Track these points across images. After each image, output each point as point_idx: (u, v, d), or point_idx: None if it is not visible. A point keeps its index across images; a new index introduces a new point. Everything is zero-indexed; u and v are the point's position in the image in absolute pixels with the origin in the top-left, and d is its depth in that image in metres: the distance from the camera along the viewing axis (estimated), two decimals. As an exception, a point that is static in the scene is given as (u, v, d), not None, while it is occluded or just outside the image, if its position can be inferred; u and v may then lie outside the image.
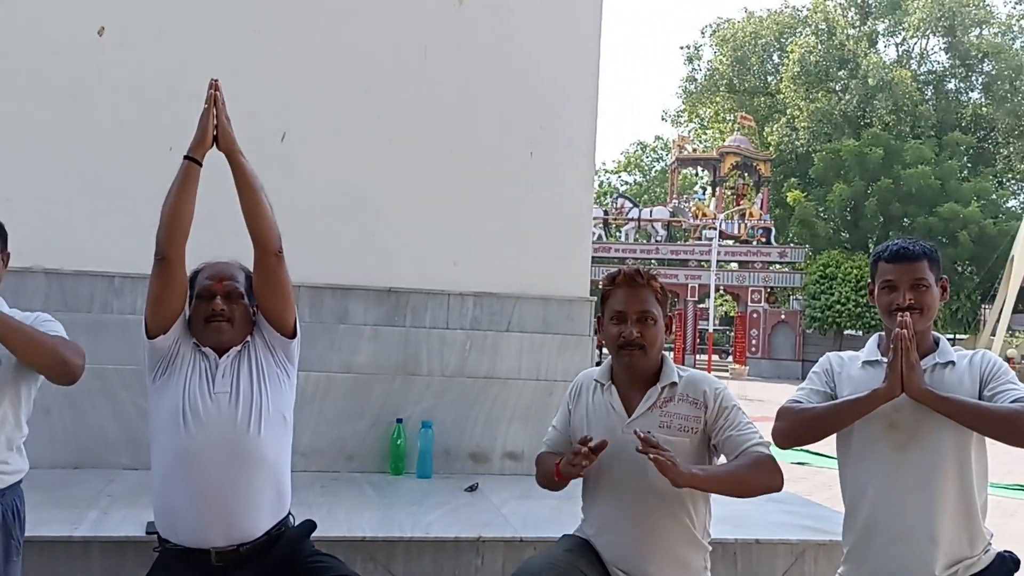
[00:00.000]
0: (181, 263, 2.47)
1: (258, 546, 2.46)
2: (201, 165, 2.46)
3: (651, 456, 2.24)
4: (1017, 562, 2.41)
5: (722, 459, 2.54)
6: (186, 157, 2.45)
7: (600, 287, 2.60)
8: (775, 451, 2.51)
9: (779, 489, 2.47)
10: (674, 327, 43.37)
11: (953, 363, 2.47)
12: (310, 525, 2.62)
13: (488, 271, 4.88)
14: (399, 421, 4.62)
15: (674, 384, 2.52)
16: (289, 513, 2.61)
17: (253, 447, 2.46)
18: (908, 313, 2.40)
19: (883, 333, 2.54)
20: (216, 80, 2.47)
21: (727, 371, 36.46)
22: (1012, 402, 2.33)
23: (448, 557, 3.42)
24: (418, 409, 4.69)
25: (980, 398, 2.40)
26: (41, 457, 2.74)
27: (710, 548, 2.57)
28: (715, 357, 34.87)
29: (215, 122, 2.45)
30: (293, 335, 2.60)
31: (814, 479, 9.36)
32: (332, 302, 4.65)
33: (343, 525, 3.48)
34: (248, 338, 2.58)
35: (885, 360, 2.40)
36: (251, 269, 2.59)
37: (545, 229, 4.94)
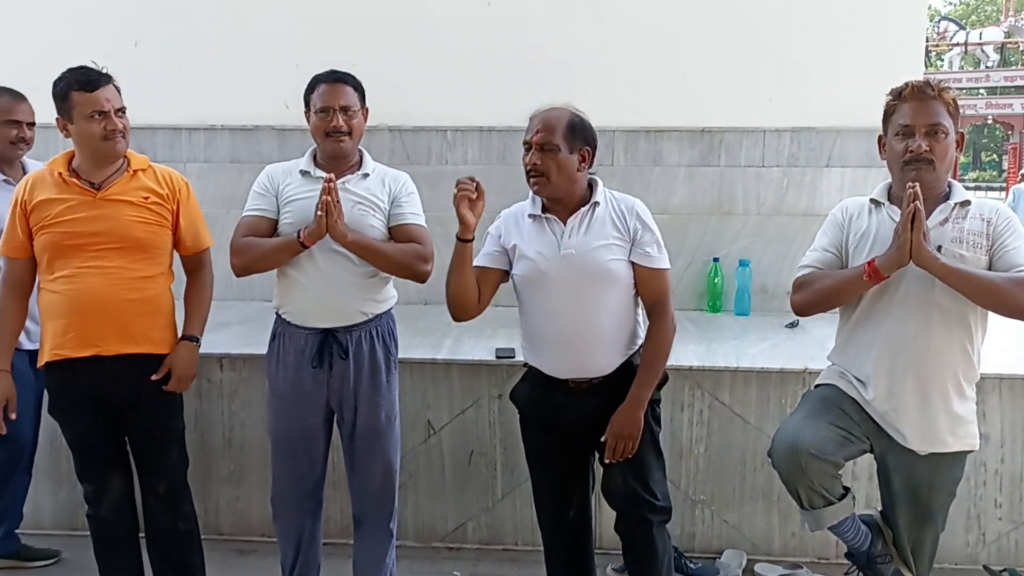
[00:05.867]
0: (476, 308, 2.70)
1: (609, 379, 2.69)
2: (470, 242, 2.58)
3: (913, 206, 2.20)
4: None
5: None
6: (458, 238, 2.60)
7: (885, 103, 2.44)
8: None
9: None
10: (1006, 162, 38.96)
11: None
12: None
13: (805, 105, 4.68)
14: (716, 260, 4.68)
15: (967, 202, 2.38)
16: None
17: (596, 298, 2.63)
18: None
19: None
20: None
21: (1071, 210, 32.39)
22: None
23: (774, 387, 3.50)
24: (734, 248, 4.71)
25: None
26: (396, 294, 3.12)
27: (979, 376, 2.45)
28: (1056, 195, 30.94)
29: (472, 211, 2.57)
30: None
31: None
32: (646, 145, 4.72)
33: (670, 356, 3.64)
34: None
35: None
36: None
37: (868, 54, 4.60)
